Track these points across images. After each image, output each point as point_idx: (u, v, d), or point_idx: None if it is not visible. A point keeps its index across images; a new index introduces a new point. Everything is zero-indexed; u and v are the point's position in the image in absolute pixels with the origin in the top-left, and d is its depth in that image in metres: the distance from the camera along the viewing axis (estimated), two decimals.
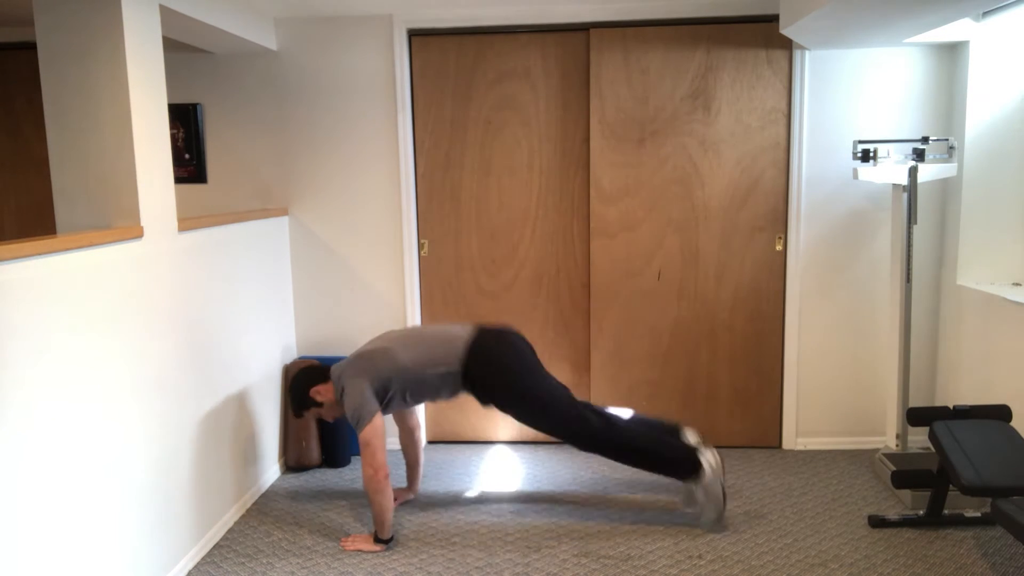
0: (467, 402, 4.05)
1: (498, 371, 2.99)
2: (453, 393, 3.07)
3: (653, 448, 3.00)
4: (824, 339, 3.85)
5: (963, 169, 3.53)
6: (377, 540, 2.94)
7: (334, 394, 3.07)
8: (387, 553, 2.92)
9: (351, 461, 3.86)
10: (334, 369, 3.07)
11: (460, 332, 3.06)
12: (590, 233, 3.85)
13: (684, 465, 3.00)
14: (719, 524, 3.06)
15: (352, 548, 2.94)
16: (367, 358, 2.99)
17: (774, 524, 3.09)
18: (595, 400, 3.97)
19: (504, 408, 3.01)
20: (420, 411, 4.02)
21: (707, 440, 3.02)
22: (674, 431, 3.17)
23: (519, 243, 3.92)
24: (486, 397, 3.03)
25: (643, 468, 3.03)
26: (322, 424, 3.78)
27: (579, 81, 3.79)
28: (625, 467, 3.70)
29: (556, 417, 2.99)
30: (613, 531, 3.06)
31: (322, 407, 3.11)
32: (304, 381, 3.10)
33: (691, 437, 3.16)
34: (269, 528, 3.16)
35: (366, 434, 2.87)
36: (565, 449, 3.97)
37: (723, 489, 3.00)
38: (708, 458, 3.00)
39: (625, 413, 3.18)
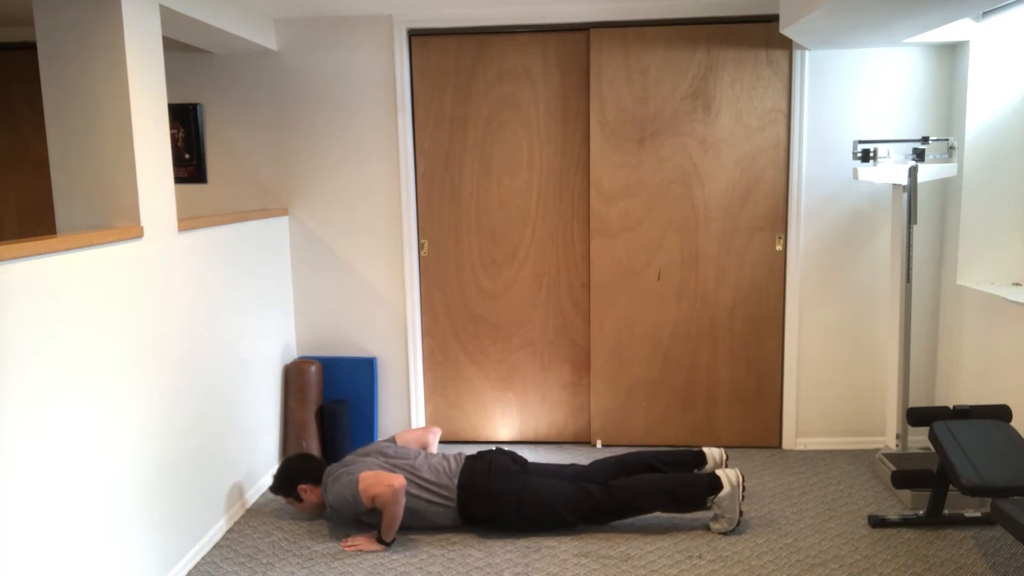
0: (467, 402, 4.05)
1: (497, 507, 2.99)
2: (451, 525, 3.08)
3: (659, 493, 2.97)
4: (824, 339, 3.85)
5: (963, 169, 3.53)
6: (380, 541, 2.95)
7: (320, 499, 3.14)
8: (387, 553, 2.92)
9: None
10: (326, 474, 3.10)
11: (451, 467, 3.07)
12: (590, 233, 3.85)
13: (699, 495, 2.97)
14: (727, 532, 3.04)
15: (352, 549, 2.94)
16: (360, 469, 3.01)
17: (774, 524, 3.09)
18: (595, 400, 3.97)
19: (525, 531, 3.05)
20: (420, 415, 4.02)
21: (729, 459, 3.00)
22: (696, 457, 3.19)
23: (519, 243, 3.92)
24: (499, 529, 3.06)
25: (661, 511, 3.01)
26: (322, 424, 3.77)
27: (579, 81, 3.79)
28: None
29: (571, 511, 2.99)
30: (613, 531, 3.06)
31: (301, 503, 3.16)
32: (295, 473, 3.15)
33: (714, 456, 3.17)
34: (269, 528, 3.16)
35: (363, 479, 2.91)
36: (565, 449, 3.97)
37: (740, 509, 2.98)
38: (728, 475, 2.98)
39: (638, 452, 3.21)
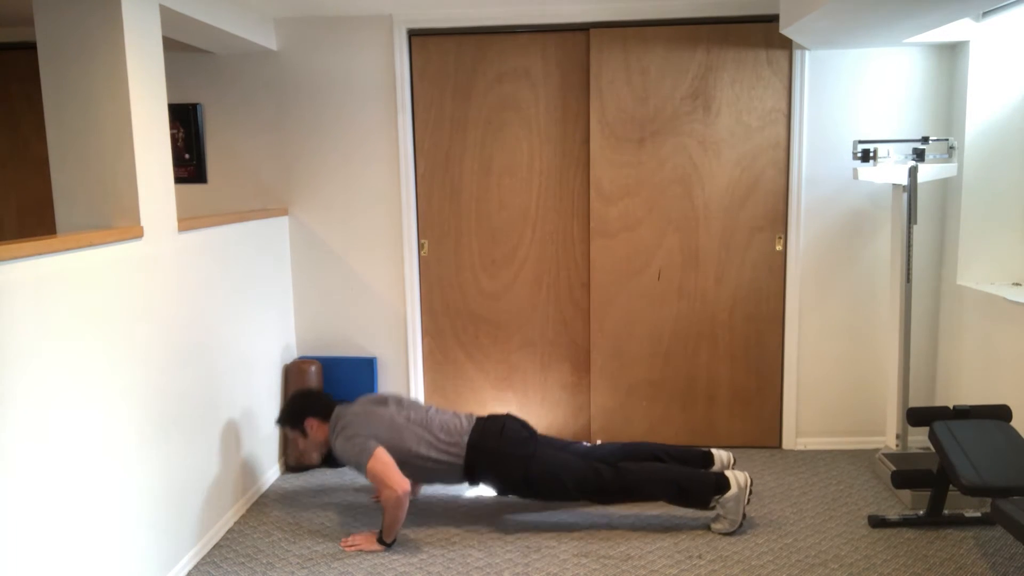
0: (467, 402, 4.05)
1: (505, 469, 2.98)
2: (455, 483, 3.07)
3: (666, 483, 2.97)
4: (824, 339, 3.85)
5: (963, 169, 3.53)
6: (380, 541, 2.94)
7: (326, 436, 3.09)
8: (387, 553, 2.92)
9: None
10: (336, 413, 3.06)
11: (463, 425, 3.05)
12: (590, 233, 3.85)
13: (705, 491, 2.96)
14: (728, 534, 3.02)
15: (352, 549, 2.94)
16: (374, 423, 2.99)
17: (774, 524, 3.09)
18: (595, 400, 3.97)
19: (526, 496, 3.04)
20: None
21: (737, 461, 2.99)
22: (704, 458, 3.18)
23: (519, 243, 3.92)
24: (503, 491, 3.06)
25: (664, 501, 3.01)
26: None
27: (579, 81, 3.79)
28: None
29: (577, 485, 2.98)
30: (613, 531, 3.06)
31: (306, 438, 3.11)
32: (303, 406, 3.10)
33: (721, 459, 3.16)
34: (269, 528, 3.16)
35: (372, 466, 2.86)
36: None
37: (744, 512, 2.97)
38: (737, 476, 2.97)
39: (644, 446, 3.20)
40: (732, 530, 2.99)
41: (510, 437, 3.01)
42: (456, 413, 3.12)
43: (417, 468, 3.00)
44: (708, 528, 3.05)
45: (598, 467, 2.99)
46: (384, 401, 3.12)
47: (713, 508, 2.99)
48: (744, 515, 2.98)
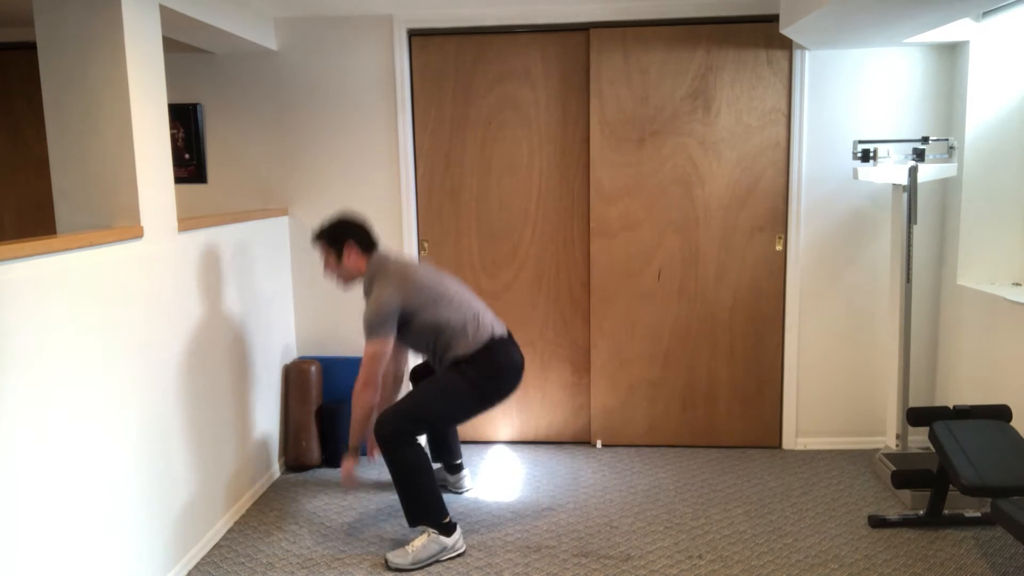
0: None
1: (484, 378, 2.88)
2: (431, 356, 2.96)
3: (430, 476, 2.84)
4: (824, 339, 3.85)
5: (963, 169, 3.53)
6: (346, 451, 2.86)
7: (359, 270, 2.95)
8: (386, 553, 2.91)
9: None
10: (379, 256, 2.93)
11: (496, 328, 2.95)
12: (590, 233, 3.85)
13: (434, 512, 2.83)
14: (396, 561, 2.80)
15: (347, 483, 2.95)
16: (416, 286, 2.85)
17: (774, 524, 3.09)
18: (595, 400, 3.97)
19: (429, 380, 2.91)
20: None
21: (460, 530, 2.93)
22: (455, 467, 3.38)
23: (519, 243, 3.92)
24: (444, 371, 2.91)
25: (401, 492, 2.85)
26: (322, 424, 3.77)
27: (579, 81, 3.79)
28: (621, 468, 3.70)
29: (424, 414, 2.85)
30: (613, 531, 3.06)
31: (339, 264, 2.95)
32: (349, 229, 2.94)
33: (461, 483, 3.26)
34: (269, 528, 3.16)
35: (376, 348, 2.78)
36: (565, 449, 3.98)
37: (428, 563, 2.80)
38: (458, 537, 2.87)
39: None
40: (403, 567, 2.77)
41: (513, 365, 2.92)
42: (491, 313, 3.01)
43: (426, 336, 2.89)
44: (704, 528, 3.05)
45: (422, 436, 2.98)
46: (428, 267, 2.97)
47: (416, 530, 2.88)
48: (425, 566, 2.80)
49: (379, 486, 3.54)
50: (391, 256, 2.96)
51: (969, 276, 3.59)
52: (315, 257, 3.93)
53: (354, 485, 2.89)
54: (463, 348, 2.88)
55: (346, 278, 3.00)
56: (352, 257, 2.94)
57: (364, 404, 2.86)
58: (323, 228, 2.99)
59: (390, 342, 2.83)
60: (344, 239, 2.94)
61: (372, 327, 2.80)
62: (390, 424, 2.78)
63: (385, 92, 3.79)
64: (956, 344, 3.63)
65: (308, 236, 3.92)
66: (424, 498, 2.82)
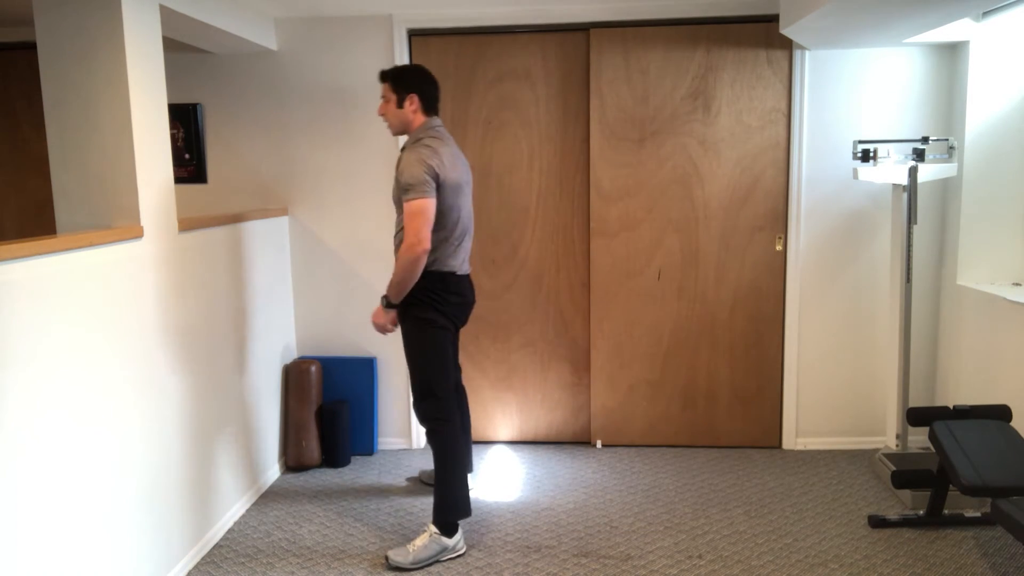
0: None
1: (436, 311, 2.82)
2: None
3: (463, 469, 2.87)
4: (824, 339, 3.85)
5: (963, 169, 3.53)
6: (388, 305, 2.80)
7: (413, 123, 2.85)
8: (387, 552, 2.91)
9: (351, 461, 3.86)
10: (435, 122, 2.85)
11: (464, 266, 2.92)
12: (590, 233, 3.85)
13: (459, 507, 2.85)
14: (397, 559, 2.81)
15: (381, 327, 2.88)
16: (451, 178, 2.76)
17: (774, 524, 3.09)
18: (595, 400, 3.97)
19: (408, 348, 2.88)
20: None
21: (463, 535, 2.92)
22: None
23: (519, 243, 3.92)
24: (404, 332, 2.88)
25: (435, 472, 2.87)
26: (322, 424, 3.77)
27: (579, 81, 3.79)
28: (621, 468, 3.70)
29: (425, 384, 2.85)
30: (613, 531, 3.06)
31: (401, 108, 2.83)
32: (416, 83, 2.83)
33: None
34: (269, 528, 3.16)
35: (421, 205, 2.65)
36: (565, 449, 3.98)
37: (429, 563, 2.81)
38: (459, 539, 2.88)
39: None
40: (403, 566, 2.78)
41: (461, 303, 2.89)
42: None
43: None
44: (704, 528, 3.05)
45: (450, 402, 2.86)
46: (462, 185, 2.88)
47: (425, 528, 2.88)
48: (425, 566, 2.80)
49: (379, 486, 3.54)
50: (446, 134, 2.86)
51: (969, 276, 3.59)
52: (315, 257, 3.93)
53: (385, 328, 2.84)
54: (430, 264, 2.80)
55: (396, 127, 2.90)
56: (412, 109, 2.84)
57: (420, 259, 2.68)
58: (395, 69, 2.87)
59: (432, 204, 2.68)
60: (411, 90, 2.83)
61: (413, 185, 2.66)
62: (417, 410, 2.89)
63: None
64: (956, 344, 3.63)
65: (308, 236, 3.92)
66: (460, 489, 2.85)
